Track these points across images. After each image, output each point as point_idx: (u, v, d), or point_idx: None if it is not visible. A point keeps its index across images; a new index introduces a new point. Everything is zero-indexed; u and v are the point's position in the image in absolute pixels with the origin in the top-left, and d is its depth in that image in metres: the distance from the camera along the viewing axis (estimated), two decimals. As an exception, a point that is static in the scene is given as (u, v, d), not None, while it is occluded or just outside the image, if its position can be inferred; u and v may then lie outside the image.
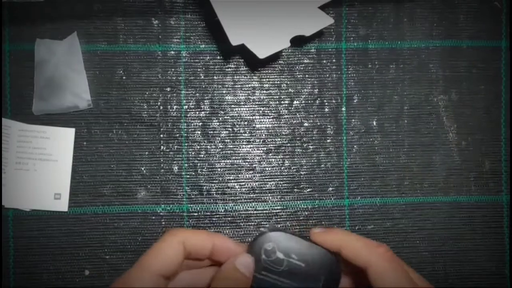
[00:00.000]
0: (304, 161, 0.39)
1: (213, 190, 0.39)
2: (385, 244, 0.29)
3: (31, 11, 0.38)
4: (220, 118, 0.39)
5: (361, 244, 0.29)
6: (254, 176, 0.39)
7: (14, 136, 0.37)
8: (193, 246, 0.28)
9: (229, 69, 0.39)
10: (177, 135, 0.39)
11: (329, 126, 0.39)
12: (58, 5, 0.38)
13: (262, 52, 0.35)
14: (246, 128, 0.39)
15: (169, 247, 0.27)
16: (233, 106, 0.39)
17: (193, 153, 0.39)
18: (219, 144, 0.39)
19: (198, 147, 0.39)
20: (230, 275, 0.28)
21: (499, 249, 0.39)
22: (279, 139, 0.39)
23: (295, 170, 0.39)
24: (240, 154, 0.39)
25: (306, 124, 0.39)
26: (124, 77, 0.38)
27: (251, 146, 0.39)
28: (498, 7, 0.40)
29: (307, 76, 0.39)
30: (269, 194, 0.39)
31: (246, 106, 0.39)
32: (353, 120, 0.39)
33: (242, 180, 0.39)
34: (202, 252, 0.28)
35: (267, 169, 0.39)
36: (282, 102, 0.39)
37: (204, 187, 0.39)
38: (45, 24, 0.38)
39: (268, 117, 0.39)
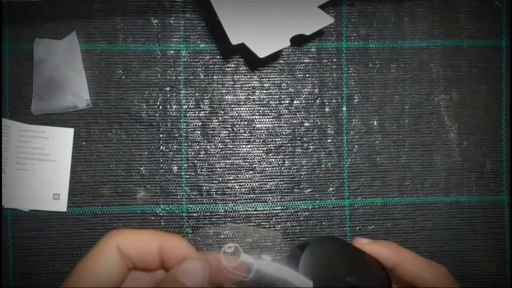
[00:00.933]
0: (305, 161, 0.39)
1: (213, 190, 0.38)
2: (443, 264, 0.27)
3: (30, 10, 0.38)
4: (220, 118, 0.39)
5: (424, 263, 0.27)
6: (254, 176, 0.39)
7: (14, 136, 0.37)
8: (133, 251, 0.21)
9: (229, 69, 0.39)
10: (177, 135, 0.38)
11: (329, 126, 0.39)
12: (58, 4, 0.38)
13: (262, 51, 0.34)
14: (246, 128, 0.39)
15: (102, 255, 0.22)
16: (233, 105, 0.39)
17: (192, 153, 0.38)
18: (219, 144, 0.39)
19: (198, 147, 0.39)
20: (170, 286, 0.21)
21: (500, 250, 0.39)
22: (279, 139, 0.39)
23: (295, 170, 0.39)
24: (240, 154, 0.39)
25: (306, 124, 0.39)
26: (123, 77, 0.38)
27: (251, 146, 0.39)
28: (498, 6, 0.40)
29: (307, 75, 0.39)
30: (269, 195, 0.39)
31: (246, 105, 0.39)
32: (353, 120, 0.39)
33: (242, 180, 0.39)
34: (147, 260, 0.22)
35: (267, 169, 0.39)
36: (282, 101, 0.39)
37: (204, 187, 0.38)
38: (44, 24, 0.38)
39: (268, 117, 0.39)
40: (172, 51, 0.38)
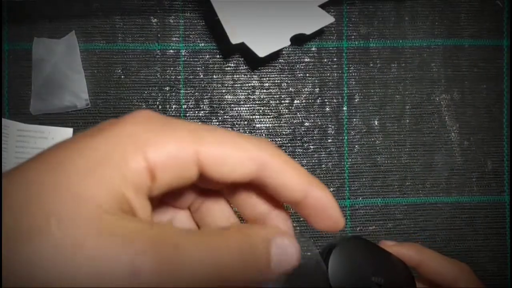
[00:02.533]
0: (305, 161, 0.39)
1: (213, 190, 0.38)
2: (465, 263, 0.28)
3: (29, 10, 0.37)
4: (220, 118, 0.39)
5: (447, 261, 0.28)
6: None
7: (13, 136, 0.37)
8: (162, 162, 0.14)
9: (229, 68, 0.39)
10: (176, 134, 0.38)
11: (330, 125, 0.39)
12: (56, 4, 0.37)
13: (262, 50, 0.34)
14: (246, 128, 0.39)
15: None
16: (232, 105, 0.39)
17: (192, 153, 0.38)
18: (219, 144, 0.38)
19: (198, 147, 0.38)
20: (248, 254, 0.15)
21: (501, 250, 0.39)
22: (279, 139, 0.39)
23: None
24: (240, 154, 0.39)
25: (306, 124, 0.39)
26: (122, 76, 0.38)
27: (251, 146, 0.39)
28: (499, 6, 0.39)
29: (307, 75, 0.39)
30: (269, 195, 0.38)
31: (246, 105, 0.39)
32: (354, 119, 0.39)
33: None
34: (182, 174, 0.15)
35: (267, 169, 0.39)
36: (283, 101, 0.39)
37: (204, 188, 0.38)
38: (43, 23, 0.38)
39: (268, 116, 0.39)
40: (171, 51, 0.38)
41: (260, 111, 0.39)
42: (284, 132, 0.39)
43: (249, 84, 0.39)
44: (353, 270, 0.26)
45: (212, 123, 0.38)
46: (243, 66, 0.39)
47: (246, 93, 0.39)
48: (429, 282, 0.28)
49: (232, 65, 0.39)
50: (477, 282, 0.27)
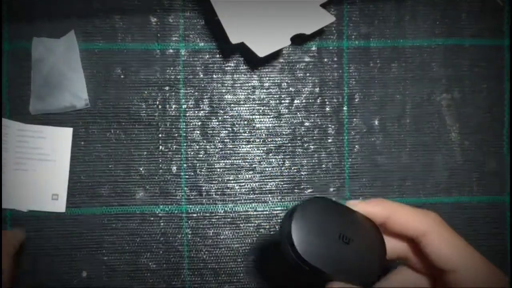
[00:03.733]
0: (305, 161, 0.39)
1: (213, 190, 0.38)
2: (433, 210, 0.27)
3: (29, 9, 0.37)
4: (220, 118, 0.38)
5: (415, 212, 0.26)
6: (254, 176, 0.39)
7: (13, 136, 0.37)
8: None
9: (229, 68, 0.38)
10: (176, 134, 0.38)
11: (330, 125, 0.39)
12: (56, 3, 0.37)
13: (262, 50, 0.34)
14: (246, 128, 0.39)
15: None
16: (232, 105, 0.39)
17: (192, 153, 0.38)
18: (219, 144, 0.38)
19: (197, 147, 0.38)
20: None
21: (501, 250, 0.39)
22: (279, 139, 0.39)
23: (295, 170, 0.39)
24: (240, 154, 0.39)
25: (307, 124, 0.39)
26: (122, 76, 0.38)
27: (251, 146, 0.39)
28: (500, 5, 0.39)
29: (308, 74, 0.39)
30: (269, 195, 0.39)
31: (246, 105, 0.39)
32: (354, 119, 0.39)
33: (242, 181, 0.38)
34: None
35: (267, 169, 0.39)
36: (283, 101, 0.39)
37: (203, 188, 0.38)
38: (43, 22, 0.37)
39: (268, 116, 0.39)
40: (171, 50, 0.38)
41: (260, 111, 0.39)
42: (284, 132, 0.39)
43: (249, 84, 0.39)
44: (318, 231, 0.25)
45: (212, 122, 0.38)
46: (243, 66, 0.39)
47: (246, 93, 0.39)
48: (399, 237, 0.27)
49: (232, 64, 0.39)
50: (448, 231, 0.26)
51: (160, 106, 0.38)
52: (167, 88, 0.38)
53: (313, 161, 0.39)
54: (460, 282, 0.25)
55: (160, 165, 0.38)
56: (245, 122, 0.39)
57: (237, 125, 0.39)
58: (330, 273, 0.25)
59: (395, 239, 0.28)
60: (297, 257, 0.24)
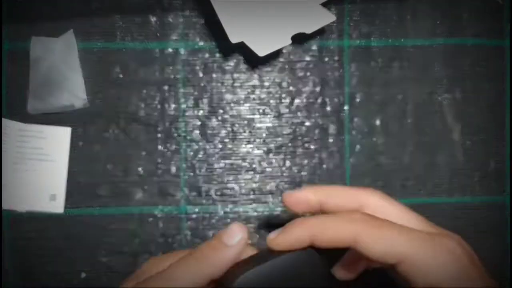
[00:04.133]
0: (306, 161, 0.39)
1: (212, 191, 0.38)
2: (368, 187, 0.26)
3: (27, 8, 0.37)
4: (219, 117, 0.38)
5: (350, 189, 0.26)
6: (254, 176, 0.38)
7: (11, 136, 0.37)
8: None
9: (229, 67, 0.38)
10: (175, 134, 0.38)
11: (331, 125, 0.39)
12: (54, 2, 0.37)
13: (262, 49, 0.34)
14: (246, 128, 0.38)
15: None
16: (232, 105, 0.38)
17: (191, 153, 0.38)
18: (218, 144, 0.38)
19: (197, 147, 0.38)
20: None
21: (503, 250, 0.39)
22: (279, 139, 0.39)
23: (296, 170, 0.39)
24: (240, 154, 0.38)
25: (307, 124, 0.39)
26: (121, 75, 0.38)
27: (251, 146, 0.38)
28: (501, 5, 0.39)
29: (308, 74, 0.39)
30: (269, 195, 0.38)
31: (246, 105, 0.38)
32: (355, 119, 0.39)
33: (242, 181, 0.38)
34: None
35: (267, 169, 0.38)
36: (283, 100, 0.39)
37: (203, 188, 0.38)
38: (41, 22, 0.37)
39: (269, 116, 0.39)
40: (170, 49, 0.38)
41: (260, 110, 0.39)
42: (284, 132, 0.39)
43: (249, 83, 0.39)
44: None
45: (212, 122, 0.38)
46: (243, 65, 0.38)
47: (246, 92, 0.39)
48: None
49: (232, 64, 0.38)
50: (378, 226, 0.24)
51: (159, 106, 0.38)
52: (166, 87, 0.38)
53: (314, 161, 0.39)
54: (410, 271, 0.23)
55: (159, 165, 0.38)
56: (245, 122, 0.38)
57: (237, 125, 0.38)
58: None
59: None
60: None
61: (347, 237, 0.24)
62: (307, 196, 0.27)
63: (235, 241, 0.25)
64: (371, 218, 0.24)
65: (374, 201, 0.26)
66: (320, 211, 0.27)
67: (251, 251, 0.27)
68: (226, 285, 0.25)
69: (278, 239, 0.25)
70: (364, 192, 0.26)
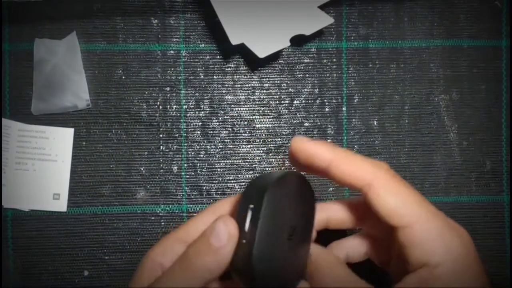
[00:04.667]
0: (304, 161, 0.39)
1: (213, 190, 0.38)
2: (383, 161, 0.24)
3: (30, 10, 0.37)
4: (220, 118, 0.39)
5: (359, 159, 0.23)
6: (254, 176, 0.39)
7: (14, 136, 0.37)
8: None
9: (229, 69, 0.39)
10: (177, 135, 0.38)
11: (329, 126, 0.39)
12: (58, 4, 0.37)
13: (262, 51, 0.34)
14: (246, 128, 0.39)
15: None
16: (233, 105, 0.39)
17: (192, 153, 0.38)
18: (219, 144, 0.39)
19: (198, 147, 0.38)
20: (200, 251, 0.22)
21: (500, 250, 0.39)
22: (279, 139, 0.39)
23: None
24: (240, 154, 0.39)
25: (306, 124, 0.39)
26: (123, 77, 0.38)
27: (251, 146, 0.39)
28: (498, 6, 0.40)
29: (307, 75, 0.39)
30: (269, 194, 0.39)
31: (246, 105, 0.39)
32: (353, 120, 0.39)
33: (242, 181, 0.39)
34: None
35: (267, 169, 0.39)
36: (282, 101, 0.39)
37: (204, 188, 0.38)
38: (44, 24, 0.38)
39: (268, 117, 0.39)
40: (172, 51, 0.38)
41: (260, 111, 0.39)
42: (284, 132, 0.39)
43: (249, 85, 0.39)
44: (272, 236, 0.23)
45: (213, 123, 0.38)
46: (243, 67, 0.39)
47: (246, 94, 0.39)
48: (342, 186, 0.24)
49: (232, 65, 0.39)
50: (399, 182, 0.23)
51: (161, 107, 0.38)
52: (168, 88, 0.38)
53: (313, 161, 0.39)
54: (414, 239, 0.22)
55: (161, 165, 0.38)
56: (245, 123, 0.39)
57: (237, 126, 0.39)
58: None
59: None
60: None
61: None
62: (320, 150, 0.24)
63: (225, 240, 0.22)
64: (396, 174, 0.23)
65: (383, 179, 0.23)
66: (325, 169, 0.24)
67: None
68: (240, 268, 0.23)
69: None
70: (376, 167, 0.24)
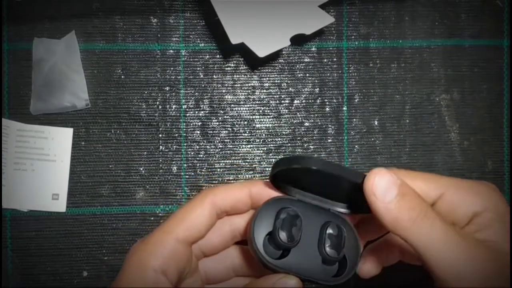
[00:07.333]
0: (305, 161, 0.39)
1: (213, 190, 0.38)
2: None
3: (29, 10, 0.37)
4: (220, 118, 0.39)
5: (468, 184, 0.24)
6: (254, 176, 0.39)
7: (13, 136, 0.37)
8: (227, 204, 0.26)
9: (229, 68, 0.39)
10: (176, 135, 0.38)
11: (330, 125, 0.39)
12: (56, 4, 0.37)
13: (262, 51, 0.34)
14: (246, 128, 0.39)
15: (198, 208, 0.26)
16: (232, 105, 0.39)
17: (192, 153, 0.38)
18: (219, 144, 0.39)
19: (197, 147, 0.38)
20: None
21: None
22: (279, 139, 0.39)
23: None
24: (240, 154, 0.39)
25: (306, 124, 0.39)
26: (122, 76, 0.38)
27: (251, 146, 0.39)
28: (500, 5, 0.39)
29: (307, 75, 0.39)
30: (269, 195, 0.39)
31: (246, 105, 0.39)
32: (354, 119, 0.39)
33: (242, 180, 0.39)
34: (240, 207, 0.27)
35: (267, 169, 0.39)
36: (283, 101, 0.39)
37: (204, 188, 0.38)
38: (43, 23, 0.38)
39: (268, 116, 0.39)
40: (171, 51, 0.38)
41: (260, 111, 0.39)
42: (284, 132, 0.39)
43: (249, 84, 0.39)
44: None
45: (212, 123, 0.38)
46: (243, 66, 0.39)
47: (246, 93, 0.39)
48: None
49: (232, 65, 0.39)
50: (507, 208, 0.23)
51: (160, 106, 0.38)
52: (167, 88, 0.38)
53: (313, 161, 0.39)
54: (454, 199, 0.24)
55: (161, 165, 0.38)
56: (245, 122, 0.39)
57: (237, 125, 0.39)
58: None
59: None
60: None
61: (471, 209, 0.24)
62: (427, 190, 0.24)
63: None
64: (501, 197, 0.24)
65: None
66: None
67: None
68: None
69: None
70: (485, 191, 0.25)
